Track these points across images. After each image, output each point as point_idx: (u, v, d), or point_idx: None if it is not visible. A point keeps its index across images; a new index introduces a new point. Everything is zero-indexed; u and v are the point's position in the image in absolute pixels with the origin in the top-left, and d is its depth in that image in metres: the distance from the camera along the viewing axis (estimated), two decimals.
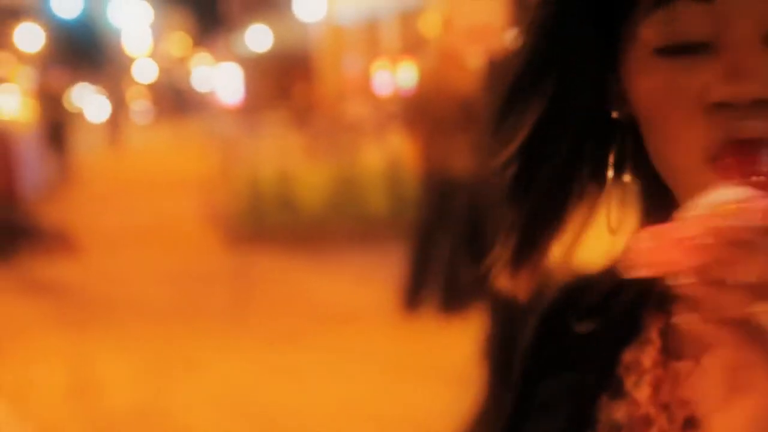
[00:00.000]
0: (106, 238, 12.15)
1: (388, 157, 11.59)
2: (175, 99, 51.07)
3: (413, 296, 7.74)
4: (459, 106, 7.14)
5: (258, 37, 30.63)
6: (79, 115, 26.91)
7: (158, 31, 56.31)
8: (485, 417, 4.80)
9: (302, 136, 14.45)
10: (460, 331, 6.51)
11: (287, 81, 25.60)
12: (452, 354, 6.20)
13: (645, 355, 0.87)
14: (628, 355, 0.88)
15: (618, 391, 0.87)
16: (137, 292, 9.10)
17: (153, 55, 56.80)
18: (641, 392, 0.86)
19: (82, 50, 41.40)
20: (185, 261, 10.62)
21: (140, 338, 7.47)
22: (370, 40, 20.09)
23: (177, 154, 24.74)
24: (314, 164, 12.56)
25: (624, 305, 0.90)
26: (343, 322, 7.67)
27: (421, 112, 7.63)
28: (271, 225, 11.42)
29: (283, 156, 12.64)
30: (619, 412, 0.87)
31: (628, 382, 0.87)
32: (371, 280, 8.89)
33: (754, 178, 0.78)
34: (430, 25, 8.15)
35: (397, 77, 15.89)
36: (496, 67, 4.82)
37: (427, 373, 6.17)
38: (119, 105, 30.29)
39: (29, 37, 24.73)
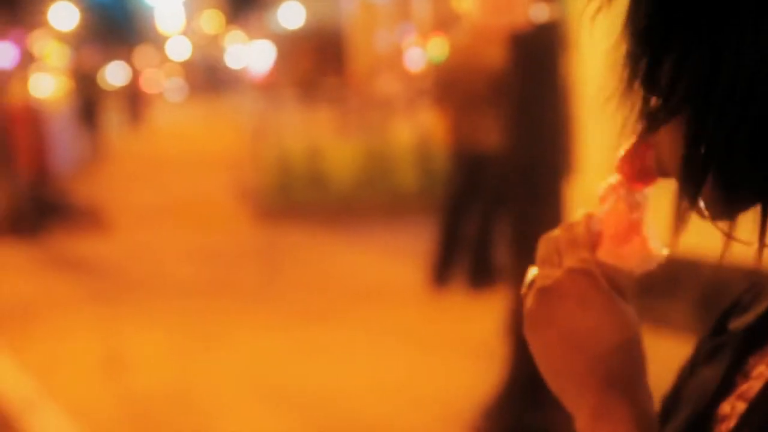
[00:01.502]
0: (137, 215, 12.21)
1: (418, 133, 11.57)
2: (208, 76, 51.16)
3: (442, 272, 7.73)
4: (489, 81, 7.10)
5: (291, 14, 30.60)
6: (113, 93, 26.97)
7: (191, 9, 56.40)
8: (511, 392, 4.78)
9: (333, 112, 14.42)
10: (489, 306, 6.50)
11: (320, 58, 25.59)
12: (480, 329, 6.19)
13: (763, 364, 0.88)
14: (751, 361, 0.89)
15: (728, 393, 0.89)
16: (167, 269, 9.13)
17: (186, 33, 56.92)
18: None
19: (116, 28, 41.52)
20: (215, 238, 10.65)
21: (170, 315, 7.50)
22: (401, 16, 20.02)
23: (209, 131, 24.80)
24: (344, 140, 12.54)
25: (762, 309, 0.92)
26: (372, 298, 7.67)
27: (451, 88, 7.60)
28: (300, 201, 11.44)
29: (313, 132, 12.64)
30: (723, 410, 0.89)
31: (741, 387, 0.88)
32: (400, 256, 8.88)
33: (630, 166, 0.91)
34: (460, 0, 8.09)
35: (428, 53, 15.82)
36: (520, 41, 4.78)
37: (455, 349, 6.16)
38: (137, 83, 30.24)
39: (63, 15, 24.83)
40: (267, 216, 11.23)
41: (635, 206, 0.93)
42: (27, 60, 19.59)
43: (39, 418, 5.60)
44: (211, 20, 56.55)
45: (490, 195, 7.32)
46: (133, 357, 6.54)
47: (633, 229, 0.93)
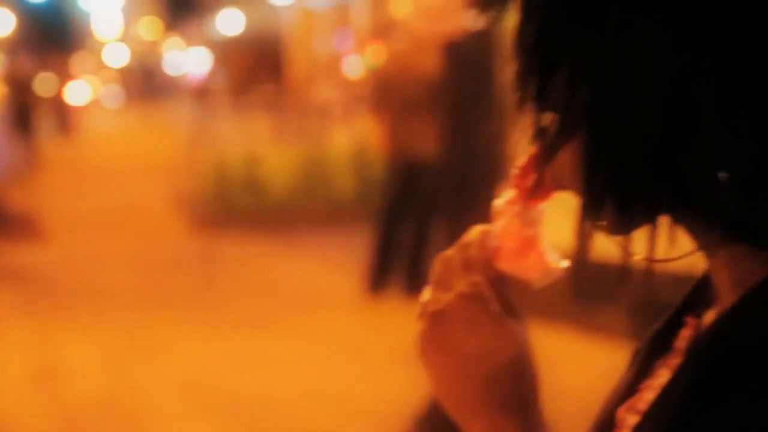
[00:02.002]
0: (72, 223, 12.08)
1: (356, 140, 11.58)
2: (146, 83, 50.83)
3: (378, 279, 7.73)
4: (425, 89, 7.13)
5: (229, 21, 30.54)
6: (48, 100, 26.71)
7: (129, 15, 56.04)
8: None
9: (270, 119, 14.40)
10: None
11: (258, 64, 25.53)
12: (416, 337, 6.20)
13: (664, 367, 0.90)
14: (656, 365, 0.91)
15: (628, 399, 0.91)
16: (103, 278, 9.05)
17: (124, 39, 56.54)
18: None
19: (52, 35, 41.13)
20: (152, 246, 10.58)
21: (106, 324, 7.43)
22: (340, 23, 20.04)
23: (146, 138, 24.65)
24: (282, 147, 12.53)
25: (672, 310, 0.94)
26: (309, 306, 7.66)
27: (388, 95, 7.61)
28: (238, 209, 11.39)
29: (250, 139, 12.61)
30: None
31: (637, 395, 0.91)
32: (338, 263, 8.88)
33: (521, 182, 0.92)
34: (398, 8, 8.12)
35: (366, 60, 15.86)
36: (455, 49, 4.80)
37: (391, 356, 6.16)
38: (63, 90, 29.90)
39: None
40: (204, 224, 11.17)
41: (530, 223, 0.94)
42: None
43: None
44: (150, 27, 56.26)
45: (425, 202, 7.34)
46: (68, 367, 6.47)
47: (528, 245, 0.95)
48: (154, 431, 5.41)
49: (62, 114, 27.63)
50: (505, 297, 0.94)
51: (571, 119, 0.80)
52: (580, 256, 0.84)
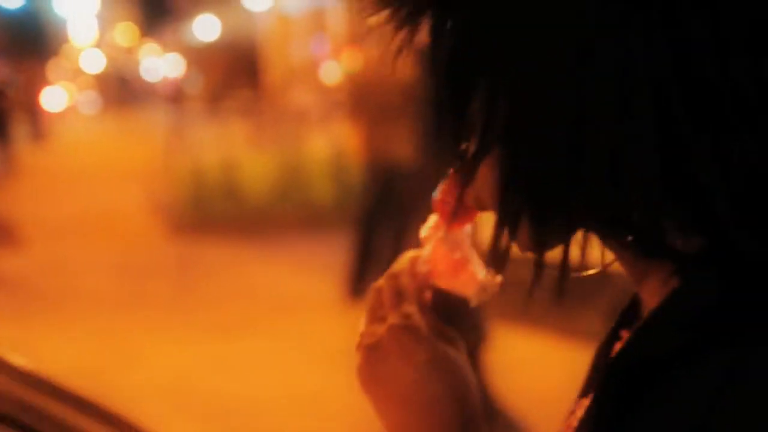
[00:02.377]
0: (50, 229, 12.06)
1: (333, 145, 11.60)
2: (123, 89, 50.68)
3: (356, 284, 7.75)
4: (401, 94, 7.15)
5: (205, 27, 30.49)
6: (24, 106, 26.60)
7: (105, 21, 55.86)
8: None
9: (247, 124, 14.40)
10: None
11: (235, 70, 25.51)
12: None
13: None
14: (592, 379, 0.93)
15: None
16: (80, 283, 9.04)
17: (100, 45, 56.34)
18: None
19: (28, 41, 40.95)
20: (129, 251, 10.57)
21: (84, 329, 7.42)
22: (316, 28, 20.05)
23: (123, 144, 24.58)
24: (259, 153, 12.53)
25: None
26: (287, 311, 7.68)
27: (364, 100, 7.64)
28: (215, 214, 11.40)
29: (227, 145, 12.61)
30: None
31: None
32: (316, 268, 8.90)
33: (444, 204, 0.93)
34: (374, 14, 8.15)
35: (342, 65, 15.88)
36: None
37: None
38: (35, 95, 29.73)
39: None
40: (181, 229, 11.17)
41: (456, 246, 0.97)
42: None
43: None
44: (126, 33, 56.08)
45: (403, 207, 7.37)
46: (45, 371, 6.45)
47: (458, 267, 0.97)
48: None
49: (38, 120, 27.53)
50: (437, 322, 0.95)
51: (488, 137, 0.80)
52: (562, 263, 0.83)
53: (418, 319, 0.94)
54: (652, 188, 0.75)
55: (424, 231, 0.98)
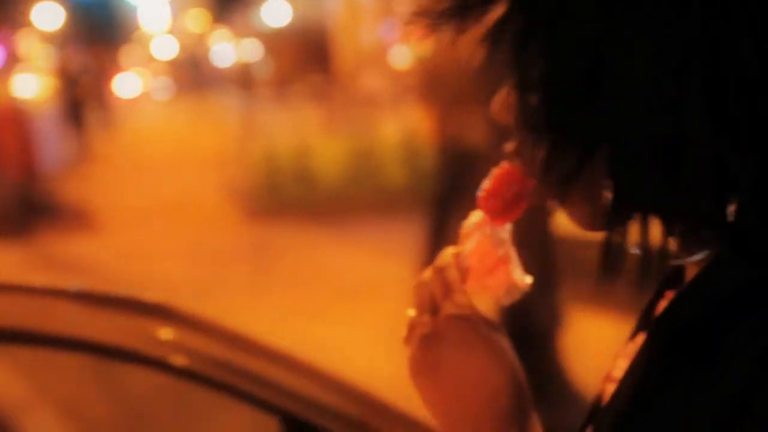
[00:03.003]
0: (125, 214, 12.20)
1: (405, 129, 11.58)
2: (195, 75, 51.08)
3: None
4: (473, 77, 7.12)
5: (276, 12, 30.59)
6: (98, 93, 26.94)
7: (177, 8, 56.30)
8: None
9: (319, 109, 14.43)
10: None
11: (305, 55, 25.57)
12: None
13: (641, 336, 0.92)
14: (638, 334, 0.94)
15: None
16: (156, 269, 9.13)
17: (172, 32, 56.82)
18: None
19: (101, 28, 41.43)
20: (204, 236, 10.66)
21: None
22: (386, 12, 20.02)
23: (196, 130, 24.78)
24: (331, 138, 12.55)
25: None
26: (361, 295, 7.69)
27: (436, 84, 7.61)
28: (288, 199, 11.45)
29: (299, 130, 12.64)
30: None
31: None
32: (388, 252, 8.90)
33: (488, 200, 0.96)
34: None
35: (413, 49, 15.83)
36: None
37: None
38: (108, 83, 29.98)
39: (48, 15, 24.78)
40: (255, 214, 11.23)
41: (499, 242, 0.98)
42: (12, 60, 19.56)
43: (32, 419, 5.61)
44: (197, 19, 56.48)
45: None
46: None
47: (498, 264, 0.98)
48: (214, 416, 5.47)
49: (112, 107, 27.87)
50: (486, 315, 0.97)
51: (590, 140, 0.80)
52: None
53: (474, 309, 0.96)
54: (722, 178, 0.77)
55: (466, 227, 1.00)
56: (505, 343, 0.96)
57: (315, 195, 11.43)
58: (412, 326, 0.98)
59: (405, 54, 17.05)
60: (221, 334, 1.83)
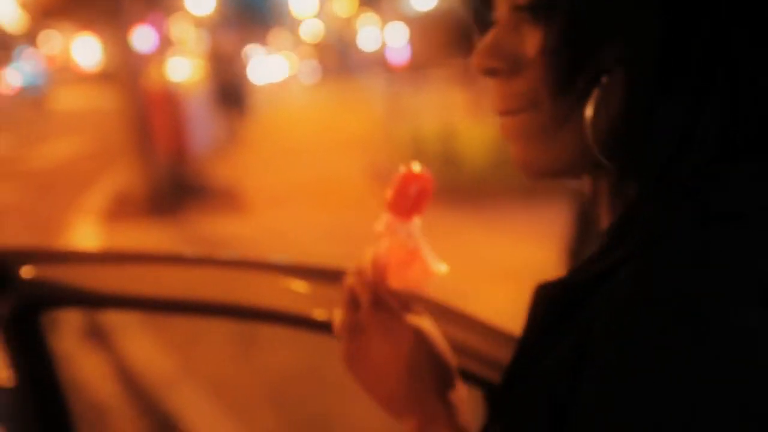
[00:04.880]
0: (272, 195, 12.36)
1: None
2: (342, 58, 51.53)
3: (577, 253, 7.64)
4: None
5: None
6: (248, 77, 27.36)
7: None
8: None
9: (464, 93, 14.37)
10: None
11: (450, 39, 25.54)
12: None
13: None
14: None
15: None
16: (303, 248, 9.23)
17: (320, 15, 57.43)
18: None
19: (252, 13, 42.08)
20: (350, 218, 10.72)
21: None
22: None
23: (343, 113, 24.98)
24: (476, 121, 12.49)
25: None
26: (508, 279, 7.63)
27: None
28: (435, 182, 11.42)
29: (445, 113, 12.62)
30: None
31: None
32: (535, 237, 8.82)
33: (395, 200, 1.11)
34: None
35: None
36: None
37: None
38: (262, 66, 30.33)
39: (201, 0, 25.26)
40: None
41: (409, 237, 1.11)
42: (165, 44, 20.01)
43: (179, 395, 5.71)
44: (345, 3, 56.95)
45: None
46: (267, 334, 6.62)
47: (412, 256, 1.10)
48: (356, 401, 5.49)
49: (260, 90, 28.28)
50: (403, 300, 1.10)
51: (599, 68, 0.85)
52: None
53: (389, 299, 1.09)
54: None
55: (378, 229, 1.12)
56: (425, 324, 1.09)
57: (460, 178, 11.39)
58: (339, 322, 1.11)
59: None
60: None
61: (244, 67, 25.27)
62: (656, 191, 0.83)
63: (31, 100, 36.75)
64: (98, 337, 6.76)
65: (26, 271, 1.98)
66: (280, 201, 12.00)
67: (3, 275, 1.98)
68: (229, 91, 20.23)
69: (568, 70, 0.85)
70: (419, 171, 1.13)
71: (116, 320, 7.02)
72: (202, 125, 15.95)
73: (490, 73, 0.96)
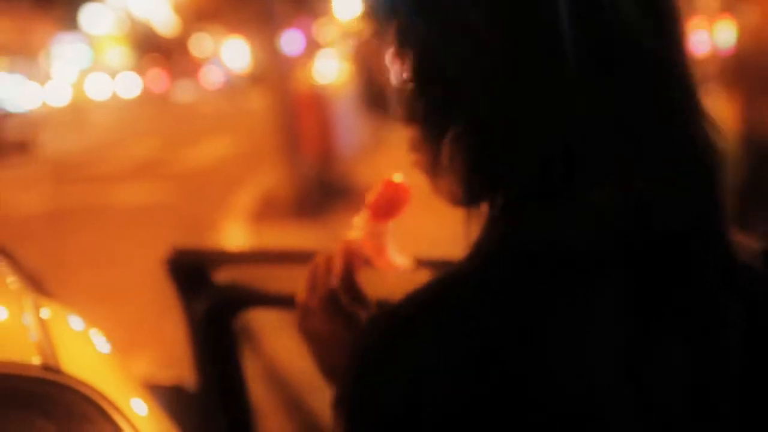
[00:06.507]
0: (416, 196, 12.37)
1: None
2: None
3: None
4: None
5: None
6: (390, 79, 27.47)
7: None
8: None
9: None
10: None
11: None
12: None
13: None
14: None
15: None
16: (446, 249, 9.22)
17: None
18: None
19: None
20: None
21: None
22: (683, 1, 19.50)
23: None
24: None
25: None
26: None
27: (741, 72, 7.35)
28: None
29: None
30: None
31: None
32: None
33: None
34: None
35: (714, 37, 15.32)
36: None
37: None
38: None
39: (347, 6, 25.53)
40: None
41: (377, 236, 1.26)
42: (312, 47, 20.26)
43: (323, 399, 5.75)
44: None
45: None
46: None
47: (378, 252, 1.25)
48: None
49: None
50: (357, 290, 1.24)
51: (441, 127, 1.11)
52: None
53: (340, 292, 1.23)
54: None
55: (355, 222, 1.26)
56: (362, 314, 1.23)
57: None
58: (300, 299, 1.26)
59: (704, 41, 16.54)
60: None
61: (388, 70, 25.34)
62: (493, 220, 1.11)
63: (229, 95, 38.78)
64: (246, 336, 6.87)
65: (219, 274, 1.98)
66: (423, 202, 12.00)
67: (197, 278, 1.99)
68: (374, 93, 20.36)
69: (425, 128, 1.11)
70: (400, 181, 1.32)
71: (260, 319, 7.13)
72: (348, 127, 16.05)
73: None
